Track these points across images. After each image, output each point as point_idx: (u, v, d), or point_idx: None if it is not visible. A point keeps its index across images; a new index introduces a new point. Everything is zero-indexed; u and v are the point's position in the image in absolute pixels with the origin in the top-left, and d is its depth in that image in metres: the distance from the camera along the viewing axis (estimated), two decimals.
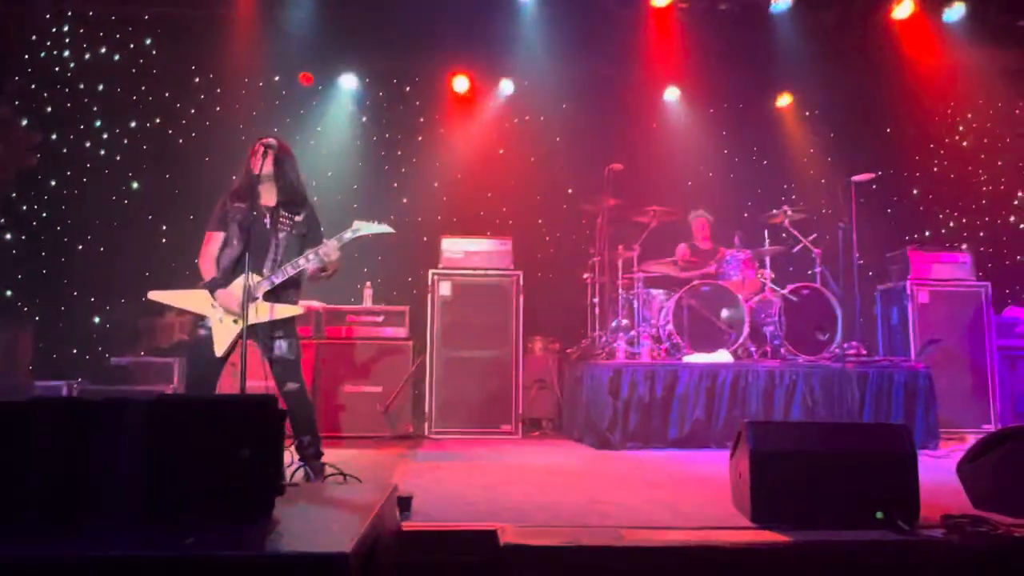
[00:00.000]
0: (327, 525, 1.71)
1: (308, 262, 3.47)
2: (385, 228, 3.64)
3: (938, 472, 3.82)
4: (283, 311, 3.49)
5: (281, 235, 3.52)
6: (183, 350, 6.00)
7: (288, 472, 2.87)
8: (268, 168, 3.51)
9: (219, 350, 3.39)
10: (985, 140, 7.86)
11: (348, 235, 3.56)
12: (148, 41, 6.94)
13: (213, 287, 3.43)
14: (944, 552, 2.46)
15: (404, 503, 2.66)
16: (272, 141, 3.54)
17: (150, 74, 6.96)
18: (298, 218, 3.59)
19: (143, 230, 6.79)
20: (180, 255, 6.60)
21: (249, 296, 3.33)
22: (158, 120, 6.97)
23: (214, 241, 3.53)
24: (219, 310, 3.41)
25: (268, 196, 3.57)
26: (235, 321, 3.40)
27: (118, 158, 6.87)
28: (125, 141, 6.90)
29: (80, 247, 6.67)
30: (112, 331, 6.58)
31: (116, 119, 6.88)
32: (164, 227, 6.85)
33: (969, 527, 2.53)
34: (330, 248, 3.48)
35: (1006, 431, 3.01)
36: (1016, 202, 7.85)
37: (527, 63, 7.04)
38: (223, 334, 3.41)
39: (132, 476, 1.73)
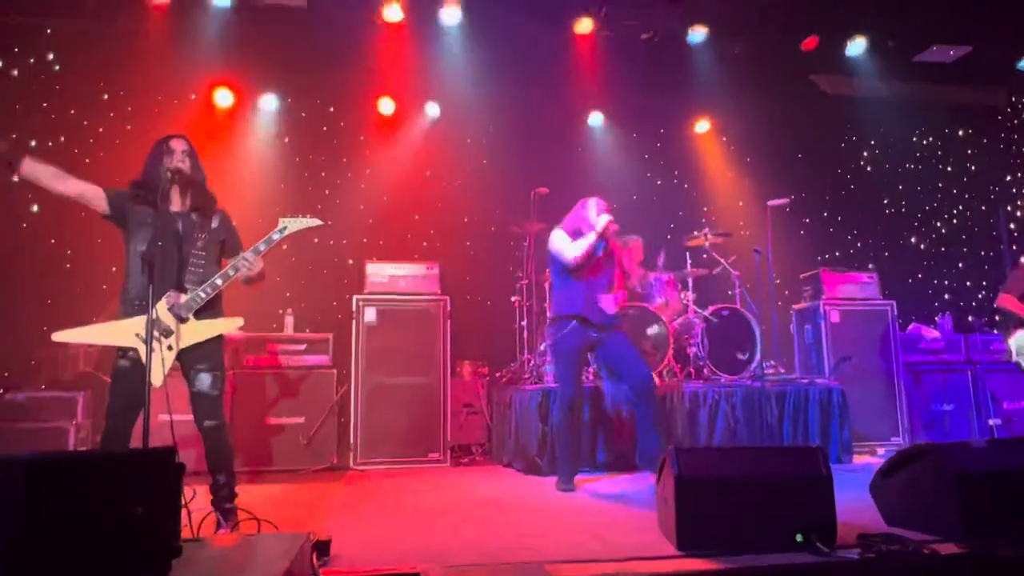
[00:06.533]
0: None
1: (230, 277, 3.23)
2: (315, 221, 3.42)
3: (853, 488, 3.95)
4: (222, 326, 3.24)
5: (199, 244, 3.24)
6: (88, 383, 5.62)
7: (196, 519, 2.69)
8: (187, 169, 3.28)
9: (157, 380, 3.00)
10: (887, 166, 8.35)
11: (276, 235, 3.34)
12: (50, 56, 6.55)
13: (131, 313, 3.10)
14: (860, 572, 2.52)
15: (322, 548, 2.53)
16: (188, 145, 3.35)
17: (53, 90, 6.56)
18: (214, 224, 3.35)
19: (44, 255, 6.36)
20: (86, 282, 6.24)
21: (178, 317, 3.10)
22: (62, 139, 6.56)
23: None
24: (144, 335, 3.03)
25: (178, 201, 3.32)
26: (169, 347, 3.12)
27: (15, 179, 6.41)
28: None
29: None
30: (8, 364, 6.11)
31: (15, 137, 6.43)
32: (68, 251, 6.43)
33: (883, 546, 2.60)
34: (250, 262, 3.24)
35: (914, 449, 3.13)
36: (916, 223, 8.34)
37: (453, 86, 7.01)
38: (157, 360, 3.04)
39: (11, 541, 1.56)
